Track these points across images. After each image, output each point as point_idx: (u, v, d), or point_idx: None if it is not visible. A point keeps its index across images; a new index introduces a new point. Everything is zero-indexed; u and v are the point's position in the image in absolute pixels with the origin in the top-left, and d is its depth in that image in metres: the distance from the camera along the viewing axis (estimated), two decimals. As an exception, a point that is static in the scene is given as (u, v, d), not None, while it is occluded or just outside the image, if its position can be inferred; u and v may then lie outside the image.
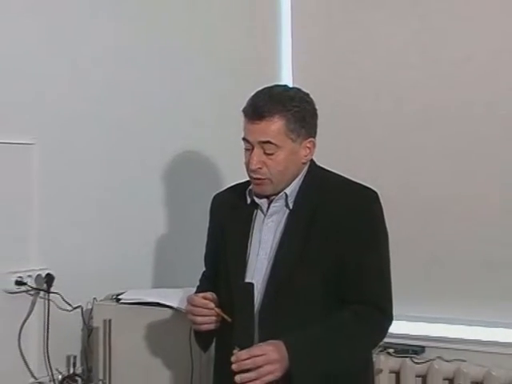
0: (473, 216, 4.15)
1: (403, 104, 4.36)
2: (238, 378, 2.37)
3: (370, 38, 4.47)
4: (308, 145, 2.60)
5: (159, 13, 3.90)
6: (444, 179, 4.23)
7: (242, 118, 2.65)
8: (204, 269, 2.91)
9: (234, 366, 2.38)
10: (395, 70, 4.41)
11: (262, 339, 2.47)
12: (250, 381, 2.38)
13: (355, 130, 4.51)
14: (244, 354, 2.38)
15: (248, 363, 2.37)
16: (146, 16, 3.83)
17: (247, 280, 2.59)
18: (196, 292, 2.74)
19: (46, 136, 3.29)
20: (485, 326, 4.09)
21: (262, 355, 2.38)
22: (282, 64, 4.68)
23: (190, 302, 2.62)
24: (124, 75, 3.71)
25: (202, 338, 2.73)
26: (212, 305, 2.56)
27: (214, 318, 2.58)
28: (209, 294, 2.60)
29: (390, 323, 2.64)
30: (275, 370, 2.39)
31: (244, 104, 2.66)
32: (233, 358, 2.39)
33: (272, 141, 2.52)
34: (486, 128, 4.09)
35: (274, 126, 2.52)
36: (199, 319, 2.59)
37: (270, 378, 2.38)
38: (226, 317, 2.53)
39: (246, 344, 2.44)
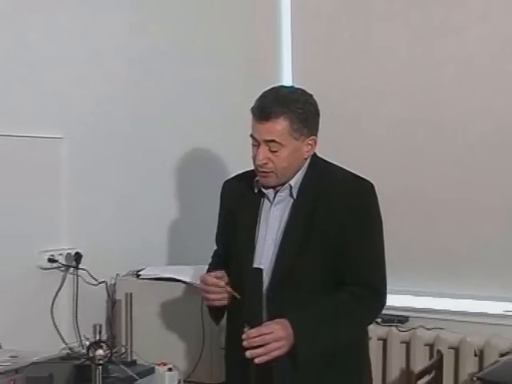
0: (462, 211, 4.19)
1: (404, 105, 4.30)
2: (248, 353, 2.40)
3: (371, 38, 4.40)
4: (310, 142, 2.61)
5: (171, 19, 3.93)
6: (442, 180, 4.23)
7: (244, 114, 2.69)
8: (215, 247, 2.93)
9: (244, 343, 2.40)
10: (396, 70, 4.32)
11: (270, 318, 2.49)
12: (259, 356, 2.40)
13: (354, 130, 4.43)
14: (254, 332, 2.41)
15: (257, 340, 2.40)
16: (158, 23, 3.88)
17: (255, 263, 2.61)
18: (208, 269, 2.78)
19: (73, 131, 3.36)
20: (460, 299, 4.16)
21: (269, 333, 2.41)
22: (283, 63, 4.58)
23: (202, 281, 2.64)
24: (141, 77, 3.77)
25: (215, 312, 2.76)
26: (223, 283, 2.58)
27: (225, 295, 2.59)
28: (219, 273, 2.61)
29: (383, 302, 2.65)
30: (282, 346, 2.41)
31: (246, 102, 2.68)
32: (244, 336, 2.42)
33: (277, 140, 2.53)
34: (486, 129, 4.07)
35: (279, 127, 2.53)
36: (212, 296, 2.61)
37: (277, 353, 2.41)
38: (235, 294, 2.55)
39: (256, 322, 2.47)
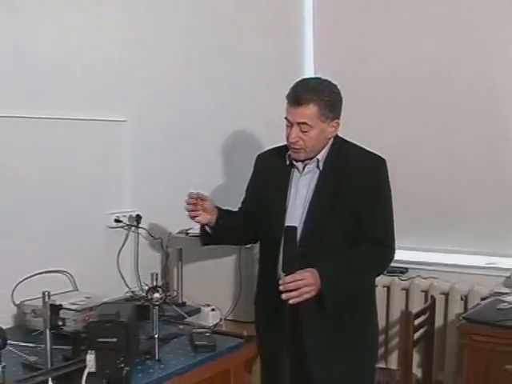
0: (453, 180, 4.26)
1: (422, 92, 4.33)
2: (284, 296, 2.54)
3: (390, 30, 4.41)
4: (334, 124, 2.77)
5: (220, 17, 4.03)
6: (438, 149, 4.29)
7: (277, 100, 2.84)
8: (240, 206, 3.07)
9: (281, 288, 2.54)
10: (417, 61, 4.29)
11: (302, 267, 2.60)
12: (293, 298, 2.54)
13: (371, 114, 4.44)
14: (289, 278, 2.54)
15: (292, 285, 2.53)
16: (211, 19, 3.97)
17: (286, 222, 2.74)
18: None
19: (135, 115, 3.46)
20: (451, 253, 4.30)
21: (302, 279, 2.55)
22: (305, 59, 4.62)
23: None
24: (194, 69, 3.84)
25: (203, 232, 2.90)
26: (197, 196, 2.75)
27: (198, 208, 2.76)
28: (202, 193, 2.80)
29: (393, 256, 2.82)
30: (312, 291, 2.57)
31: (278, 90, 2.86)
32: (280, 281, 2.55)
33: (307, 122, 2.69)
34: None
35: (309, 111, 2.69)
36: (189, 207, 2.77)
37: (308, 296, 2.56)
38: (204, 197, 2.74)
39: (290, 271, 2.57)
